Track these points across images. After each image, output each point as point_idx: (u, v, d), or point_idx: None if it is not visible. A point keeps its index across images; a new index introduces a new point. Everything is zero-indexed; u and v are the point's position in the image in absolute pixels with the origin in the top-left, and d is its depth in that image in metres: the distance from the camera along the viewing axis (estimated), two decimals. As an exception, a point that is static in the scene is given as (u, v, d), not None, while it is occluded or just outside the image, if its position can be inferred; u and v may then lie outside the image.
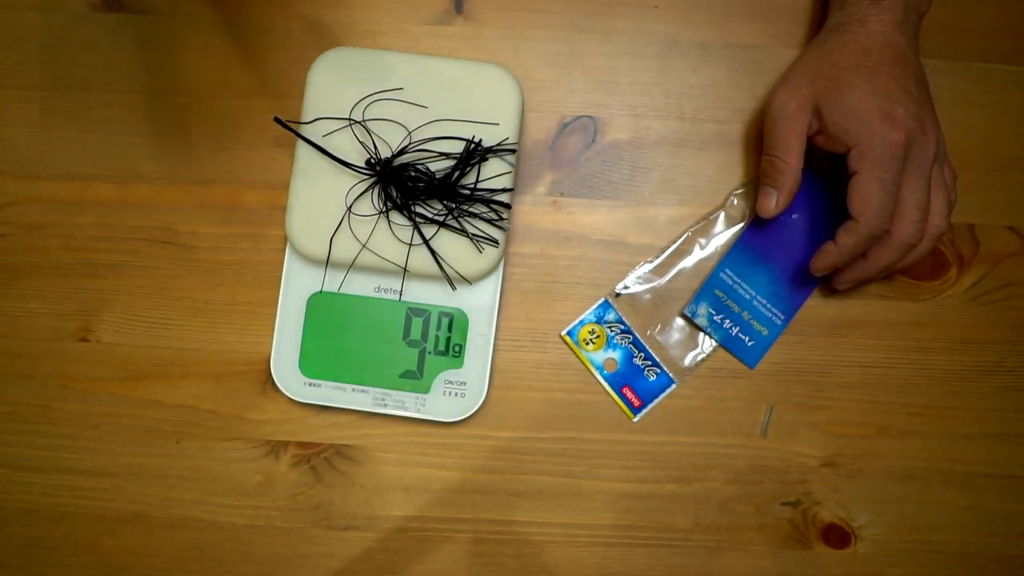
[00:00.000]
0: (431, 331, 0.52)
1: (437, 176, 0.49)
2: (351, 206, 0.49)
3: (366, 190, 0.49)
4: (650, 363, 0.53)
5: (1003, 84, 0.55)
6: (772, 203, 0.50)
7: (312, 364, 0.52)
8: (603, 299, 0.54)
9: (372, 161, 0.49)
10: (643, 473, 0.53)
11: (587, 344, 0.54)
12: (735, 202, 0.54)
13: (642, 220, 0.54)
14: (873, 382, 0.54)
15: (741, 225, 0.54)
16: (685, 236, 0.54)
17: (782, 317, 0.53)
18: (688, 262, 0.54)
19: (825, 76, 0.48)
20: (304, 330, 0.52)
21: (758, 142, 0.54)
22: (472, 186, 0.50)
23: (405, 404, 0.52)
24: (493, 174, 0.50)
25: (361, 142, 0.50)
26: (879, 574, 0.53)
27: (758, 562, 0.53)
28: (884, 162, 0.46)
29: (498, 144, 0.50)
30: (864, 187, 0.47)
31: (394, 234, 0.49)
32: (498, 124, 0.50)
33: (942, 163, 0.49)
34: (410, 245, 0.49)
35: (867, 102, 0.47)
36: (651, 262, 0.54)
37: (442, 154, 0.50)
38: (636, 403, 0.53)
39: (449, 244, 0.49)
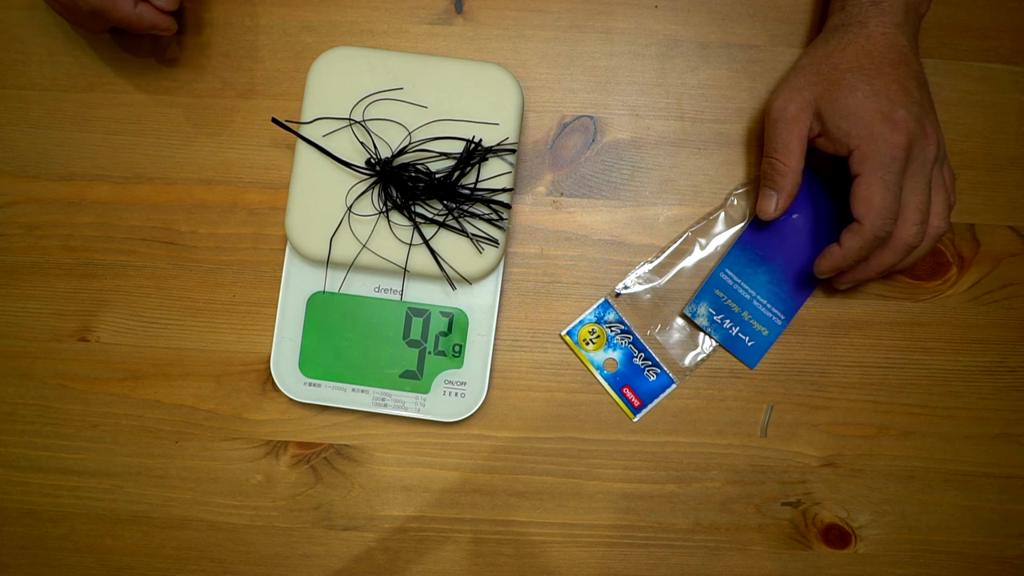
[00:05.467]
0: (431, 331, 0.52)
1: (437, 176, 0.49)
2: (351, 206, 0.49)
3: (366, 190, 0.49)
4: (650, 363, 0.53)
5: (1003, 84, 0.55)
6: (772, 205, 0.50)
7: (312, 364, 0.52)
8: (603, 299, 0.54)
9: (372, 161, 0.49)
10: (643, 473, 0.53)
11: (587, 344, 0.53)
12: (735, 202, 0.54)
13: (642, 220, 0.54)
14: (873, 382, 0.54)
15: (741, 225, 0.54)
16: (685, 236, 0.54)
17: (782, 317, 0.53)
18: (688, 262, 0.54)
19: (826, 78, 0.48)
20: (304, 330, 0.52)
21: (758, 142, 0.54)
22: (472, 186, 0.50)
23: (405, 404, 0.52)
24: (493, 174, 0.50)
25: (361, 142, 0.50)
26: (879, 574, 0.53)
27: (758, 562, 0.53)
28: (886, 164, 0.46)
29: (498, 144, 0.50)
30: (867, 189, 0.46)
31: (394, 234, 0.49)
32: (498, 124, 0.50)
33: (942, 164, 0.49)
34: (410, 245, 0.49)
35: (868, 104, 0.47)
36: (651, 262, 0.54)
37: (442, 154, 0.50)
38: (636, 403, 0.53)
39: (449, 244, 0.49)
